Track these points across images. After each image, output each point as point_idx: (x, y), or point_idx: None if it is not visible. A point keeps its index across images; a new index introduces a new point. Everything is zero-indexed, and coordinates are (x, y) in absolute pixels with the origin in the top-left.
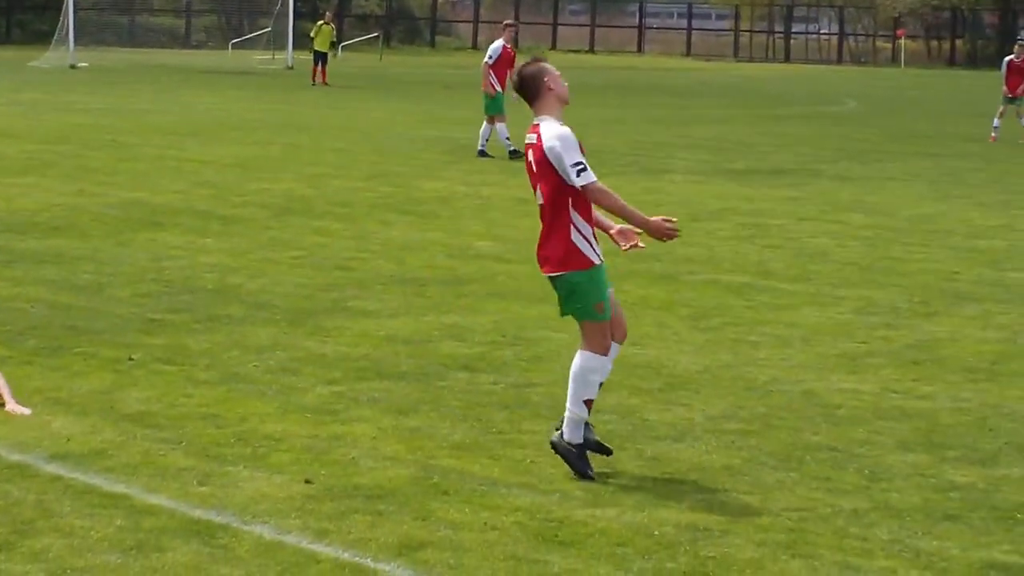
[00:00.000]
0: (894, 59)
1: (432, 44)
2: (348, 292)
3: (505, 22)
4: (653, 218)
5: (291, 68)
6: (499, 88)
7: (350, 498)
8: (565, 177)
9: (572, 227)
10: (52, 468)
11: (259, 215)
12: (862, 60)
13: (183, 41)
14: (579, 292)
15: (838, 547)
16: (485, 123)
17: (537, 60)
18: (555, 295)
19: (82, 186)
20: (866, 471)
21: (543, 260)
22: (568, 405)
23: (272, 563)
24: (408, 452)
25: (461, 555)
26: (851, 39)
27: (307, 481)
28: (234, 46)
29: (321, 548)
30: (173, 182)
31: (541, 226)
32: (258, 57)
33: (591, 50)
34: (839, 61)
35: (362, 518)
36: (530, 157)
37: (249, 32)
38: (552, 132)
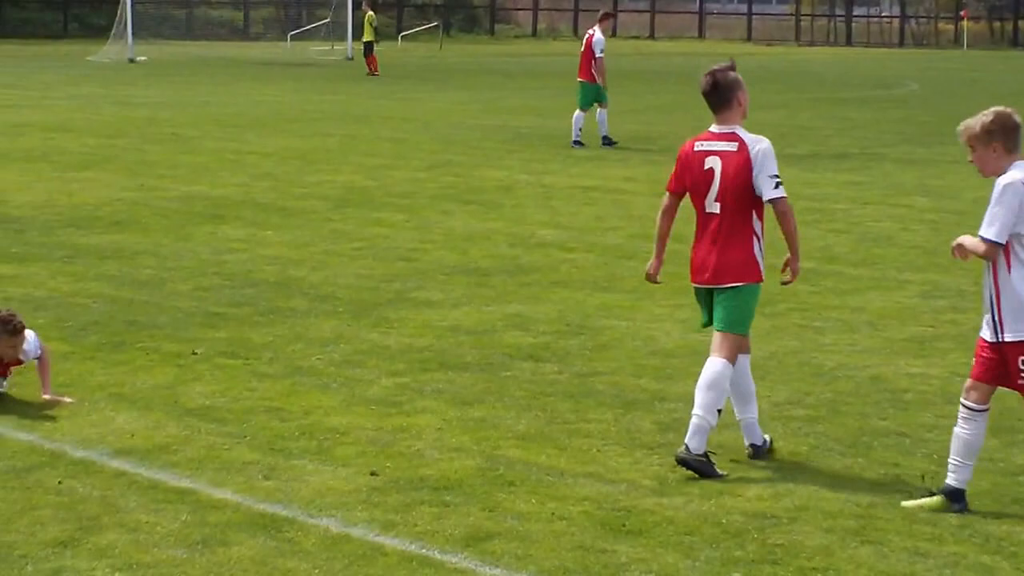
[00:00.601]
0: (956, 41)
1: (491, 32)
2: (410, 283)
3: (603, 12)
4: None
5: (350, 59)
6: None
7: (416, 490)
8: (757, 187)
9: (756, 239)
10: (117, 464)
11: (320, 207)
12: (924, 42)
13: (241, 33)
14: (747, 305)
15: (907, 533)
16: (599, 110)
17: (734, 69)
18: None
19: (142, 180)
20: (934, 456)
21: (716, 270)
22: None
23: (339, 556)
24: (473, 443)
25: (528, 546)
26: (912, 21)
27: (373, 473)
28: (292, 38)
29: (388, 540)
30: (233, 175)
31: (701, 234)
32: (316, 48)
33: (651, 36)
34: (901, 44)
35: (428, 510)
36: (713, 164)
37: (307, 23)
38: (757, 140)
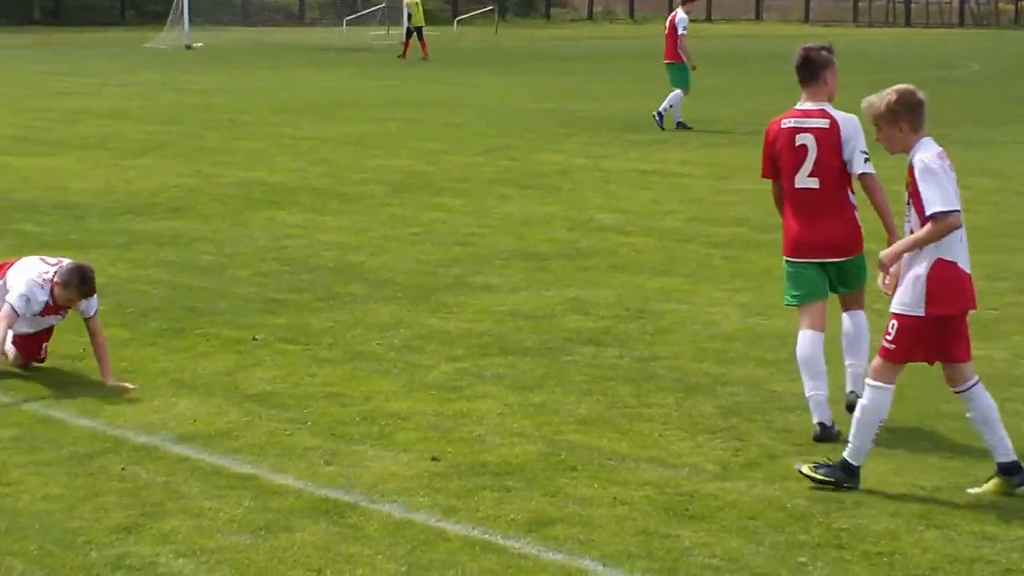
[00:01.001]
0: (1017, 21)
1: (547, 16)
2: (469, 268)
3: None
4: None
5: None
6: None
7: (478, 475)
8: (848, 162)
9: (855, 210)
10: (179, 450)
11: (377, 192)
12: (984, 22)
13: (297, 19)
14: (864, 264)
15: (973, 517)
16: (676, 91)
17: (830, 50)
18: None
19: (199, 166)
20: None
21: (835, 246)
22: (857, 361)
23: (401, 541)
24: (534, 428)
25: (591, 531)
26: (972, 2)
27: (434, 459)
28: (348, 23)
29: (450, 526)
30: (290, 160)
31: (799, 210)
32: (372, 33)
33: (708, 19)
34: (960, 24)
35: (490, 495)
36: (806, 141)
37: (363, 8)
38: (848, 117)
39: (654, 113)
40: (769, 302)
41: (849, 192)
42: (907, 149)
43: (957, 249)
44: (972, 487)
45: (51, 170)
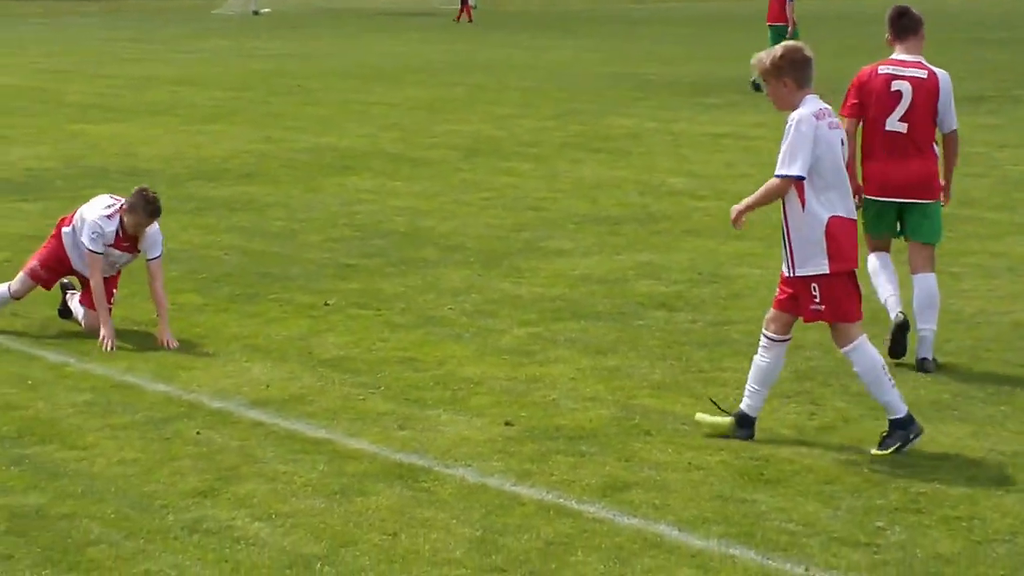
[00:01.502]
0: None
1: None
2: (540, 232)
3: None
4: None
5: (474, 7)
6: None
7: (551, 439)
8: (943, 115)
9: (936, 159)
10: (253, 414)
11: (448, 157)
12: None
13: None
14: (940, 215)
15: None
16: None
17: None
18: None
19: (269, 132)
20: None
21: (920, 184)
22: (931, 327)
23: (476, 506)
24: (608, 392)
25: (666, 495)
26: None
27: (507, 423)
28: None
29: (524, 490)
30: (360, 126)
31: (884, 151)
32: None
33: None
34: None
35: (564, 459)
36: (901, 86)
37: None
38: (944, 72)
39: (752, 80)
40: None
41: (933, 141)
42: (793, 105)
43: (848, 203)
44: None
45: (121, 137)
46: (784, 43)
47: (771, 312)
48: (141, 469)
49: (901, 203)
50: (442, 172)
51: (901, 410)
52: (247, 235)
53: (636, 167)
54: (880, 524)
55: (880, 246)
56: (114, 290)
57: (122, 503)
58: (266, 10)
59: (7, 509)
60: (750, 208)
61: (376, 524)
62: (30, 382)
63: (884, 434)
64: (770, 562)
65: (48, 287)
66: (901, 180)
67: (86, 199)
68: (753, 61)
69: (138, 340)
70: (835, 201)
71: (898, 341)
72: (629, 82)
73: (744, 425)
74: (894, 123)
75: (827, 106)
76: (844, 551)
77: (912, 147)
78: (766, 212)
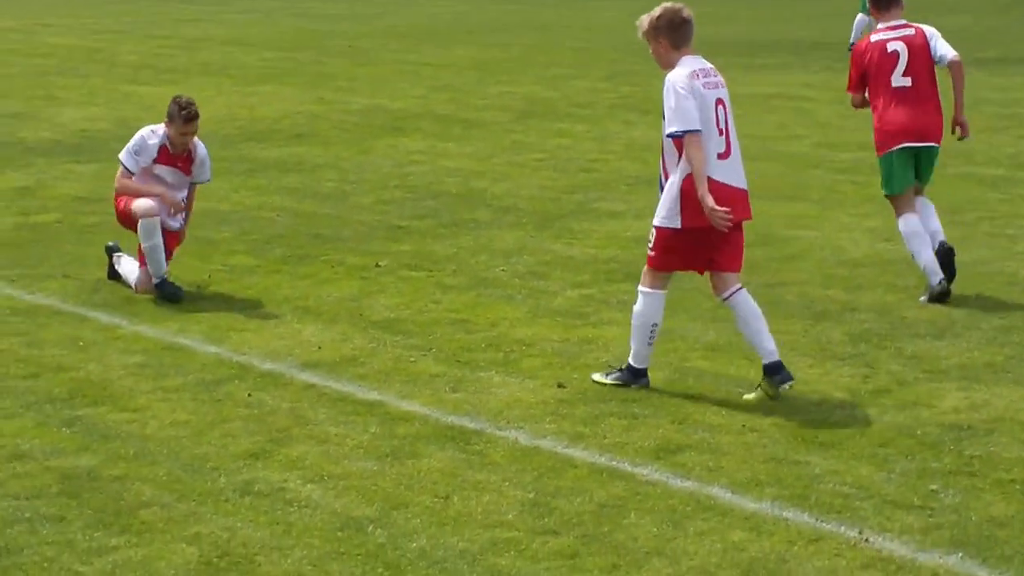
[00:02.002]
0: None
1: None
2: (593, 194)
3: None
4: None
5: None
6: None
7: (604, 402)
8: (935, 53)
9: (940, 108)
10: (305, 376)
11: (500, 118)
12: None
13: None
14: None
15: None
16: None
17: None
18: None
19: (321, 93)
20: None
21: (929, 131)
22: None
23: (528, 468)
24: (661, 354)
25: (720, 458)
26: None
27: (560, 385)
28: None
29: (577, 452)
30: (412, 87)
31: (898, 104)
32: None
33: None
34: None
35: (617, 422)
36: (896, 46)
37: None
38: (928, 26)
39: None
40: (895, 227)
41: (936, 90)
42: (671, 65)
43: (713, 164)
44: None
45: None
46: (664, 4)
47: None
48: (192, 431)
49: (919, 148)
50: (494, 133)
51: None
52: (298, 196)
53: None
54: (934, 487)
55: (906, 205)
56: (174, 249)
57: (174, 465)
58: None
59: (59, 471)
60: (704, 187)
61: (428, 487)
62: (82, 344)
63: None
64: (824, 524)
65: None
66: (919, 126)
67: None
68: (637, 23)
69: (189, 302)
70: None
71: (941, 298)
72: None
73: (639, 375)
74: (899, 79)
75: (708, 66)
76: (898, 514)
77: (919, 97)
78: (820, 176)
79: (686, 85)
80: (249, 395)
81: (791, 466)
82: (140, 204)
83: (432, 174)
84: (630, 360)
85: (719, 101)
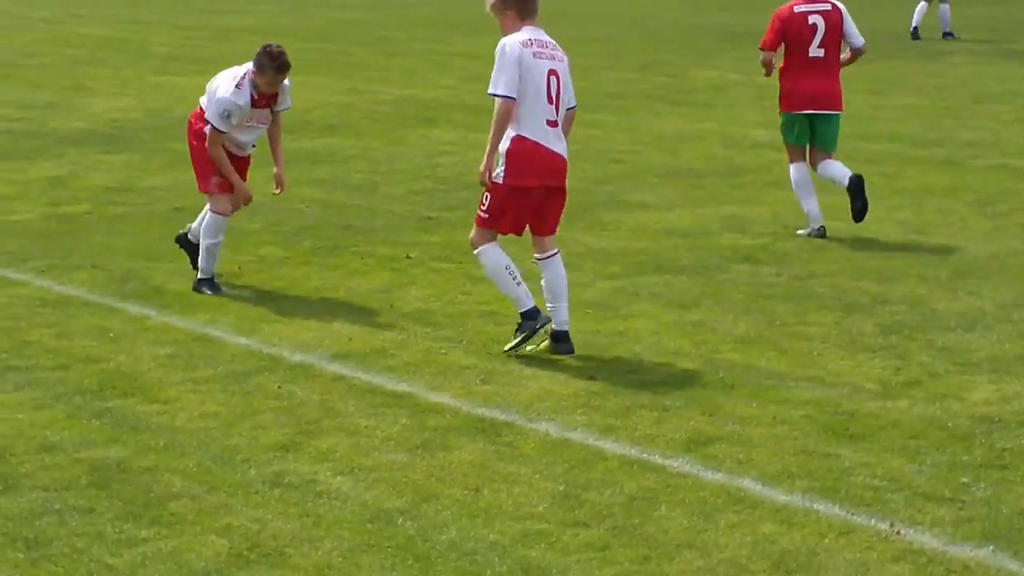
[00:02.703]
0: None
1: None
2: (623, 185)
3: None
4: None
5: None
6: None
7: (635, 394)
8: (848, 36)
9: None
10: (335, 368)
11: None
12: None
13: None
14: (838, 136)
15: None
16: (942, 6)
17: None
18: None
19: (352, 83)
20: None
21: (834, 98)
22: (845, 177)
23: (559, 460)
24: (692, 347)
25: (750, 450)
26: None
27: (591, 377)
28: None
29: (608, 445)
30: (442, 77)
31: (806, 73)
32: None
33: None
34: None
35: (648, 414)
36: (816, 19)
37: None
38: (842, 5)
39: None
40: (928, 219)
41: (839, 63)
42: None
43: (537, 127)
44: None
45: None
46: None
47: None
48: (222, 423)
49: (817, 114)
50: None
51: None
52: (329, 188)
53: (719, 119)
54: (965, 480)
55: (801, 156)
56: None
57: (204, 457)
58: None
59: (89, 462)
60: (492, 151)
61: (458, 479)
62: (111, 335)
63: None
64: (854, 517)
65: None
66: (826, 95)
67: (169, 153)
68: None
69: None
70: (523, 122)
71: (820, 235)
72: (713, 33)
73: (532, 316)
74: (815, 50)
75: (545, 39)
76: (929, 506)
77: (828, 68)
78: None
79: (514, 51)
80: (279, 387)
81: (822, 458)
82: (218, 201)
83: (463, 165)
84: (517, 311)
85: (552, 72)
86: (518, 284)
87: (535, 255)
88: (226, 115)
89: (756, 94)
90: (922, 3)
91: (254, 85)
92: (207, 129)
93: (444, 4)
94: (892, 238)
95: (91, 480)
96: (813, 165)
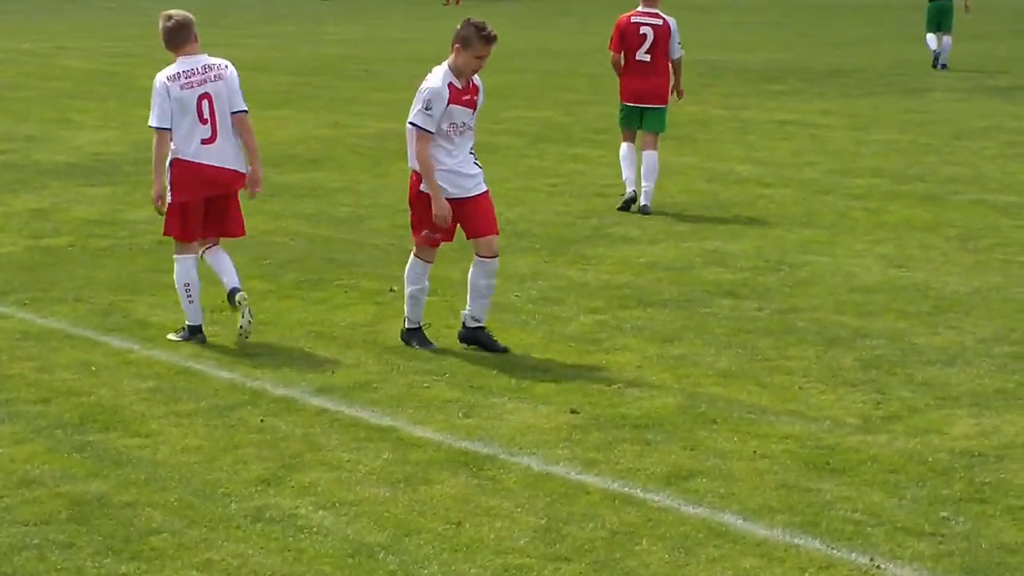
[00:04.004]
0: None
1: None
2: (607, 219)
3: None
4: None
5: None
6: None
7: (617, 428)
8: (672, 49)
9: (668, 76)
10: (318, 402)
11: (516, 143)
12: None
13: None
14: (666, 116)
15: None
16: (946, 38)
17: None
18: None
19: (337, 117)
20: None
21: (655, 95)
22: (652, 185)
23: (541, 494)
24: (674, 380)
25: (731, 484)
26: None
27: (573, 411)
28: None
29: (590, 479)
30: None
31: (635, 74)
32: None
33: None
34: None
35: (630, 448)
36: (646, 31)
37: None
38: (671, 19)
39: (937, 54)
40: (909, 254)
41: (667, 67)
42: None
43: (199, 148)
44: None
45: None
46: (164, 12)
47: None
48: (205, 457)
49: (644, 107)
50: (509, 158)
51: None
52: (313, 221)
53: (703, 154)
54: (945, 514)
55: (629, 137)
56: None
57: (185, 491)
58: None
59: (69, 496)
60: (159, 176)
61: (440, 513)
62: (94, 368)
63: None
64: (835, 552)
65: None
66: (650, 92)
67: (152, 185)
68: None
69: (203, 326)
70: (182, 147)
71: (627, 206)
72: (697, 69)
73: (194, 332)
74: (642, 55)
75: (198, 65)
76: (909, 541)
77: (653, 71)
78: (832, 202)
79: (162, 86)
80: (262, 420)
81: (802, 493)
82: (422, 249)
83: None
84: (187, 322)
85: (204, 96)
86: (191, 303)
87: (203, 251)
88: (427, 105)
89: (739, 129)
90: (929, 35)
91: (451, 71)
92: (413, 130)
93: (430, 40)
94: (873, 272)
95: (71, 515)
96: (642, 147)
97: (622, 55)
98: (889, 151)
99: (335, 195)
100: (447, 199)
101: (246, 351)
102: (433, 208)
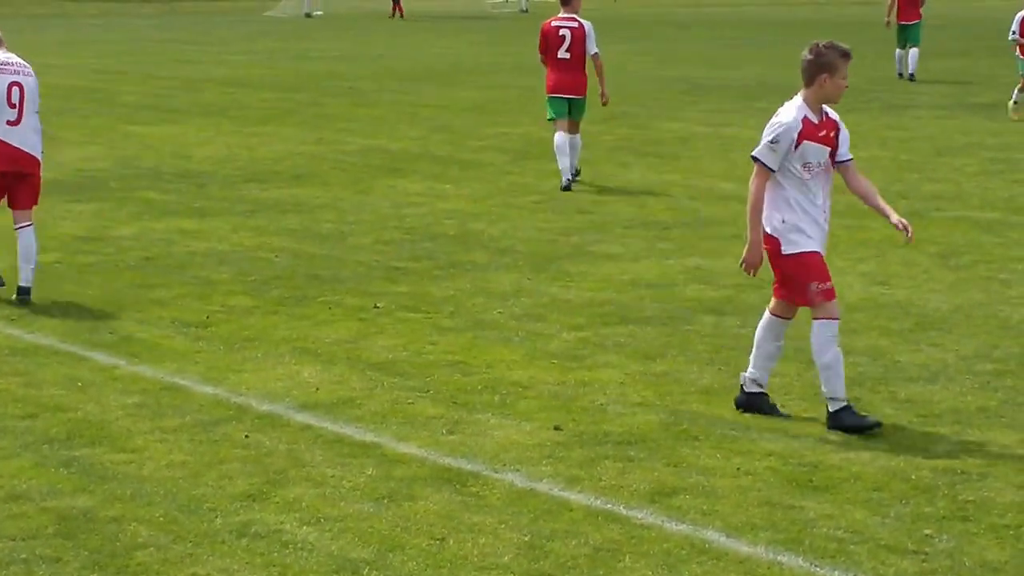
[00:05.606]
0: None
1: None
2: (589, 236)
3: None
4: None
5: (525, 11)
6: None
7: (600, 445)
8: (589, 48)
9: (586, 75)
10: (302, 418)
11: (498, 160)
12: None
13: None
14: (586, 105)
15: None
16: (913, 50)
17: None
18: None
19: (321, 134)
20: None
21: (576, 87)
22: (575, 161)
23: (524, 511)
24: (656, 397)
25: (714, 501)
26: None
27: (556, 428)
28: None
29: (573, 495)
30: (411, 128)
31: (559, 69)
32: (491, 1)
33: None
34: None
35: (613, 465)
36: (565, 32)
37: None
38: (588, 22)
39: (909, 74)
40: (892, 271)
41: (584, 64)
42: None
43: (4, 129)
44: None
45: (174, 138)
46: None
47: None
48: (190, 472)
49: (569, 98)
50: (491, 175)
51: None
52: (297, 237)
53: (685, 171)
54: (928, 532)
55: (562, 127)
56: None
57: (170, 506)
58: (318, 12)
59: (55, 511)
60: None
61: (424, 529)
62: (80, 384)
63: None
64: (818, 569)
65: None
66: (569, 85)
67: (139, 202)
68: None
69: (188, 342)
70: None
71: (566, 188)
72: (679, 86)
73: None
74: (563, 53)
75: (13, 60)
76: (892, 559)
77: (572, 67)
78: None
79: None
80: (246, 436)
81: (785, 510)
82: (825, 308)
83: (430, 215)
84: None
85: (15, 83)
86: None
87: (14, 225)
88: (774, 139)
89: (722, 146)
90: (898, 51)
91: (807, 103)
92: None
93: (413, 57)
94: (855, 290)
95: (58, 529)
96: (570, 132)
97: (546, 56)
98: (871, 168)
99: (319, 211)
100: (813, 251)
101: (231, 367)
102: (745, 252)
